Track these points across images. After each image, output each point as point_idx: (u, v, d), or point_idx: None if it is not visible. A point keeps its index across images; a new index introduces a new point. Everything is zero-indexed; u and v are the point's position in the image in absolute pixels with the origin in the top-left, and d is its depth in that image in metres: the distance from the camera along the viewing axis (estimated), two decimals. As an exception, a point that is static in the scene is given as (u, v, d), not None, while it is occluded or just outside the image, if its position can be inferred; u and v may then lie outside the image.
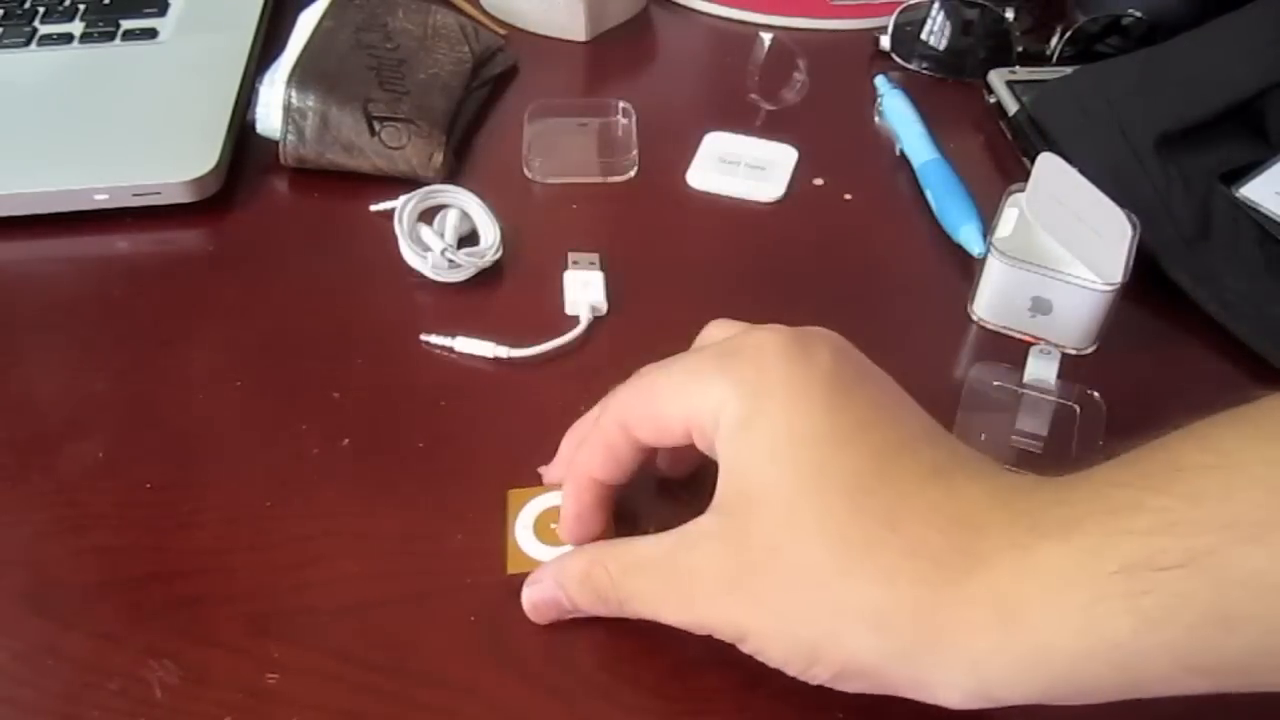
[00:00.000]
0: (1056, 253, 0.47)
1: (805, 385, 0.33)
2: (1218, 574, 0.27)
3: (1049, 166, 0.49)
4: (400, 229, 0.50)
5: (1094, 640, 0.28)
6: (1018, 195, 0.50)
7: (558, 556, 0.38)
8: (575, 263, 0.51)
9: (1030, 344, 0.46)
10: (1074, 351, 0.48)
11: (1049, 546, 0.29)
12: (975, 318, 0.49)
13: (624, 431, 0.37)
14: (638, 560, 0.36)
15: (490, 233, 0.52)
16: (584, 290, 0.49)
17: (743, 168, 0.57)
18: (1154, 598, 0.28)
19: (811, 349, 0.34)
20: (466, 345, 0.47)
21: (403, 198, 0.51)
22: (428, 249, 0.50)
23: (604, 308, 0.49)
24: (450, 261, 0.50)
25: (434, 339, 0.47)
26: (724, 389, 0.34)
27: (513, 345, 0.47)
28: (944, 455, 0.34)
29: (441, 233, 0.51)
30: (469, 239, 0.52)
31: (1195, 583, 0.27)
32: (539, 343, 0.47)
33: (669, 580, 0.35)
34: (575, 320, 0.48)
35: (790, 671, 0.33)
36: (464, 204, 0.52)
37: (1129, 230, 0.47)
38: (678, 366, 0.36)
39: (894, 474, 0.32)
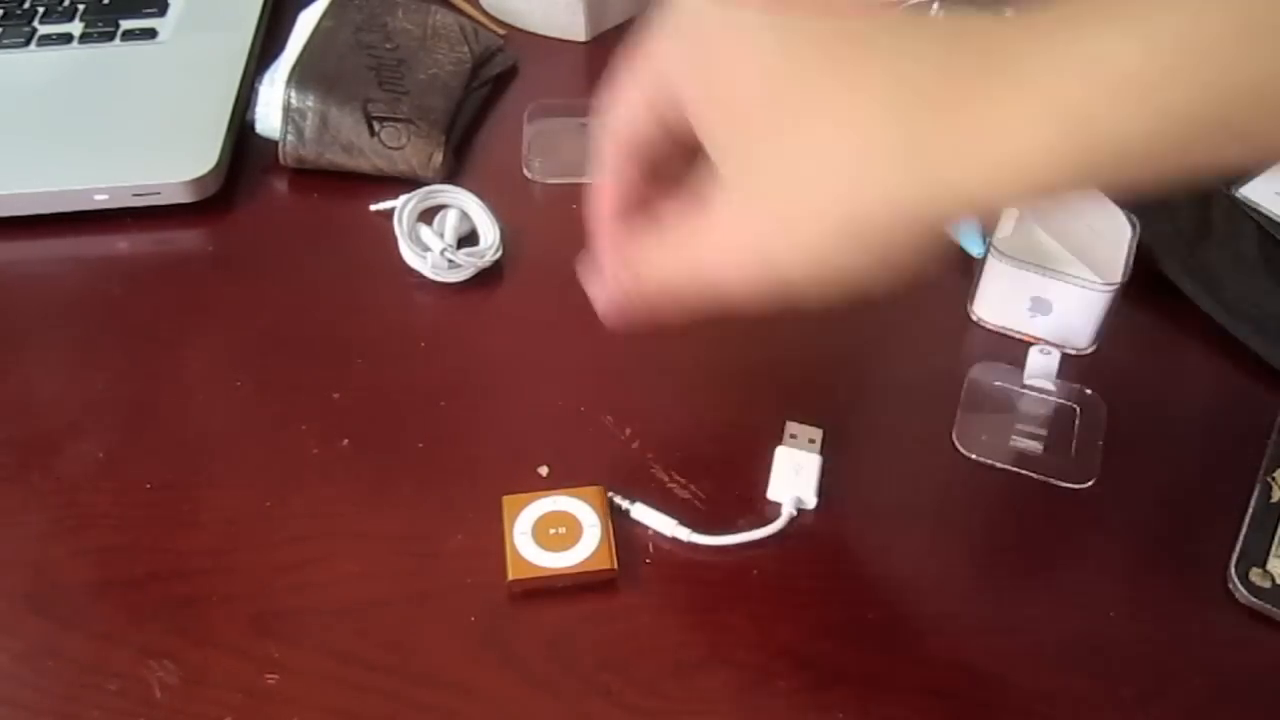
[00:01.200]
0: (1056, 253, 0.47)
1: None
2: None
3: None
4: (400, 229, 0.50)
5: (1107, 72, 0.27)
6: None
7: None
8: (793, 436, 0.44)
9: (1030, 344, 0.46)
10: (1074, 351, 0.48)
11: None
12: (975, 318, 0.49)
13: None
14: (663, 233, 0.35)
15: (490, 233, 0.52)
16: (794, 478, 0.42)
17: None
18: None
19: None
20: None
21: (402, 198, 0.52)
22: (427, 249, 0.50)
23: (812, 501, 0.42)
24: (450, 261, 0.50)
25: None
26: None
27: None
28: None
29: (441, 233, 0.51)
30: (469, 239, 0.52)
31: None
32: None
33: (691, 235, 0.34)
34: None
35: (843, 281, 0.32)
36: (463, 204, 0.52)
37: (1129, 230, 0.47)
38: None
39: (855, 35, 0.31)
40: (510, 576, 0.39)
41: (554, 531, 0.39)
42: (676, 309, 0.36)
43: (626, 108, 0.36)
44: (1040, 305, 0.47)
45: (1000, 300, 0.48)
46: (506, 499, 0.41)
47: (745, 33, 0.32)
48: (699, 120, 0.33)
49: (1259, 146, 0.28)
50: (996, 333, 0.49)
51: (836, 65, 0.30)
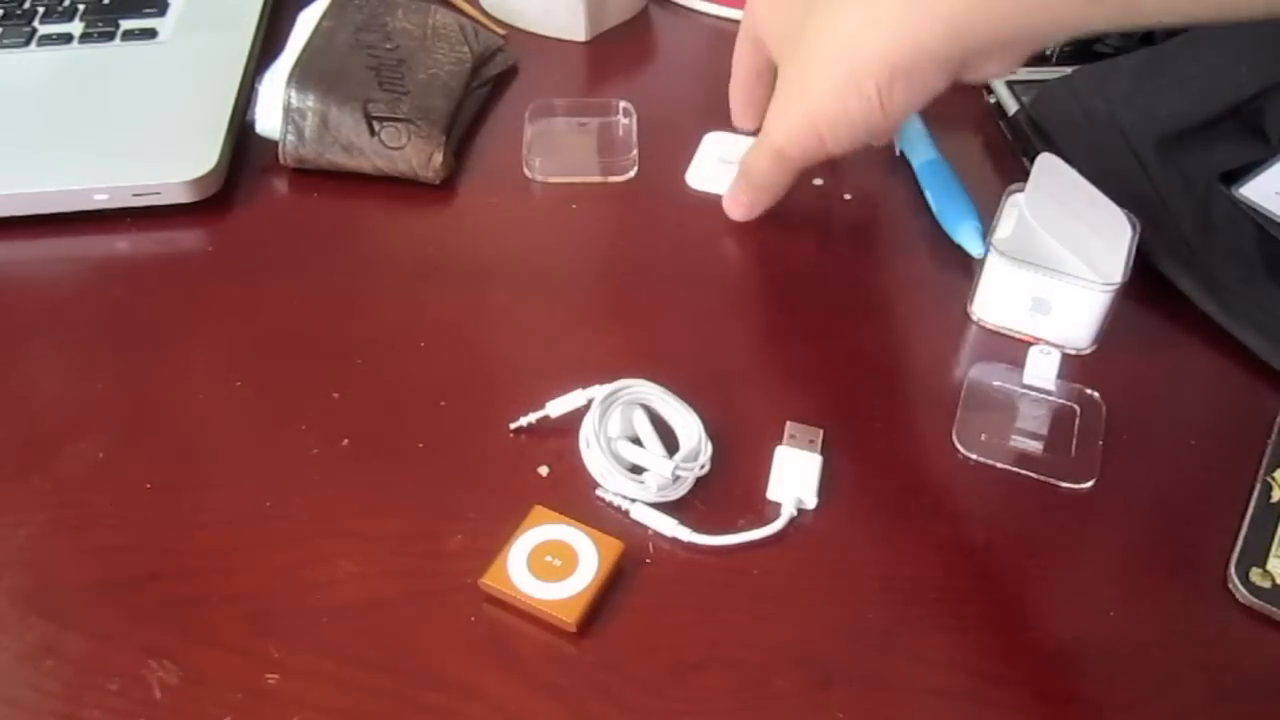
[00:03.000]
0: (1056, 253, 0.47)
1: None
2: None
3: (1049, 166, 0.49)
4: (601, 453, 0.41)
5: None
6: (1017, 195, 0.50)
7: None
8: (793, 436, 0.43)
9: (1030, 344, 0.46)
10: (1074, 352, 0.48)
11: None
12: (975, 318, 0.49)
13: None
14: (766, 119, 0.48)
15: (693, 428, 0.43)
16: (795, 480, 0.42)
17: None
18: None
19: None
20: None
21: (586, 420, 0.43)
22: (642, 469, 0.42)
23: (812, 502, 0.42)
24: (677, 478, 0.42)
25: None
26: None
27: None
28: None
29: (635, 438, 0.43)
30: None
31: None
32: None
33: (765, 123, 0.48)
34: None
35: (860, 128, 0.44)
36: (645, 397, 0.44)
37: (1129, 230, 0.47)
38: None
39: None
40: (483, 579, 0.38)
41: (549, 559, 0.39)
42: (767, 183, 0.50)
43: (739, 45, 0.51)
44: (1040, 305, 0.47)
45: (1000, 300, 0.48)
46: (537, 509, 0.40)
47: None
48: (771, 47, 0.47)
49: None
50: (996, 333, 0.49)
51: None
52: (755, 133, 0.50)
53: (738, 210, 0.53)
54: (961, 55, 0.41)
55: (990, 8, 0.39)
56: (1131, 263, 0.46)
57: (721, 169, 0.56)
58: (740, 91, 0.53)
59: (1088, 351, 0.48)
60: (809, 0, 0.44)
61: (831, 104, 0.43)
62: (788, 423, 0.44)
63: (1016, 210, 0.49)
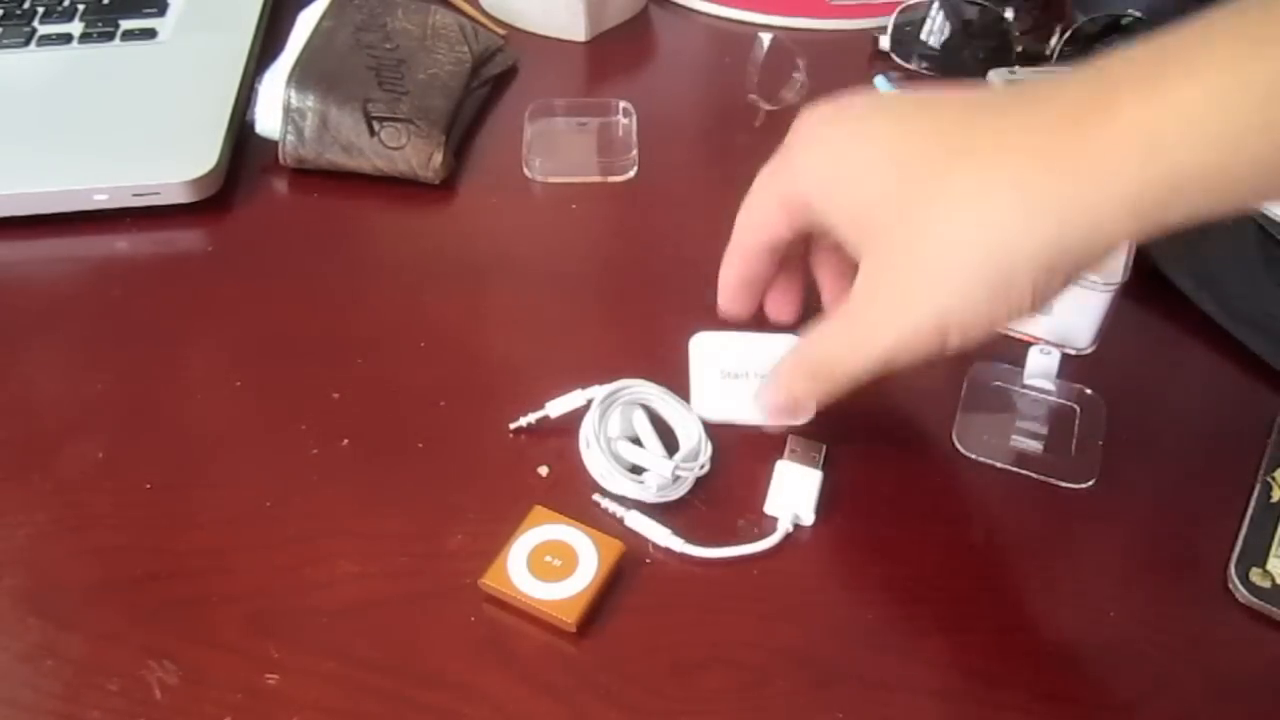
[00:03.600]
0: None
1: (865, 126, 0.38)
2: None
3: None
4: (599, 454, 0.42)
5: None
6: None
7: (781, 361, 0.41)
8: (794, 451, 0.43)
9: (1030, 344, 0.46)
10: (1074, 352, 0.48)
11: (1181, 81, 0.32)
12: None
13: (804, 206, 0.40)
14: (822, 329, 0.40)
15: (692, 429, 0.43)
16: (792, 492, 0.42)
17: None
18: None
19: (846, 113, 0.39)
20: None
21: (586, 424, 0.42)
22: (641, 470, 0.42)
23: (809, 518, 0.41)
24: (677, 477, 0.42)
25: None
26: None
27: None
28: (1017, 89, 0.37)
29: (636, 439, 0.43)
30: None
31: None
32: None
33: (853, 318, 0.39)
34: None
35: (1000, 324, 0.36)
36: (644, 397, 0.44)
37: None
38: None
39: (983, 116, 0.36)
40: (483, 579, 0.38)
41: (549, 559, 0.39)
42: (845, 386, 0.40)
43: (761, 210, 0.41)
44: None
45: None
46: (537, 509, 0.40)
47: (866, 134, 0.38)
48: (837, 224, 0.38)
49: None
50: (996, 332, 0.49)
51: (951, 149, 0.35)
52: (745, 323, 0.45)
53: (783, 417, 0.43)
54: (1139, 235, 0.35)
55: (1191, 186, 0.32)
56: (1131, 263, 0.46)
57: (731, 387, 0.45)
58: (746, 267, 0.43)
59: (1088, 351, 0.48)
60: (909, 177, 0.36)
61: (973, 304, 0.35)
62: (789, 436, 0.43)
63: None
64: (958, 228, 0.35)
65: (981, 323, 0.36)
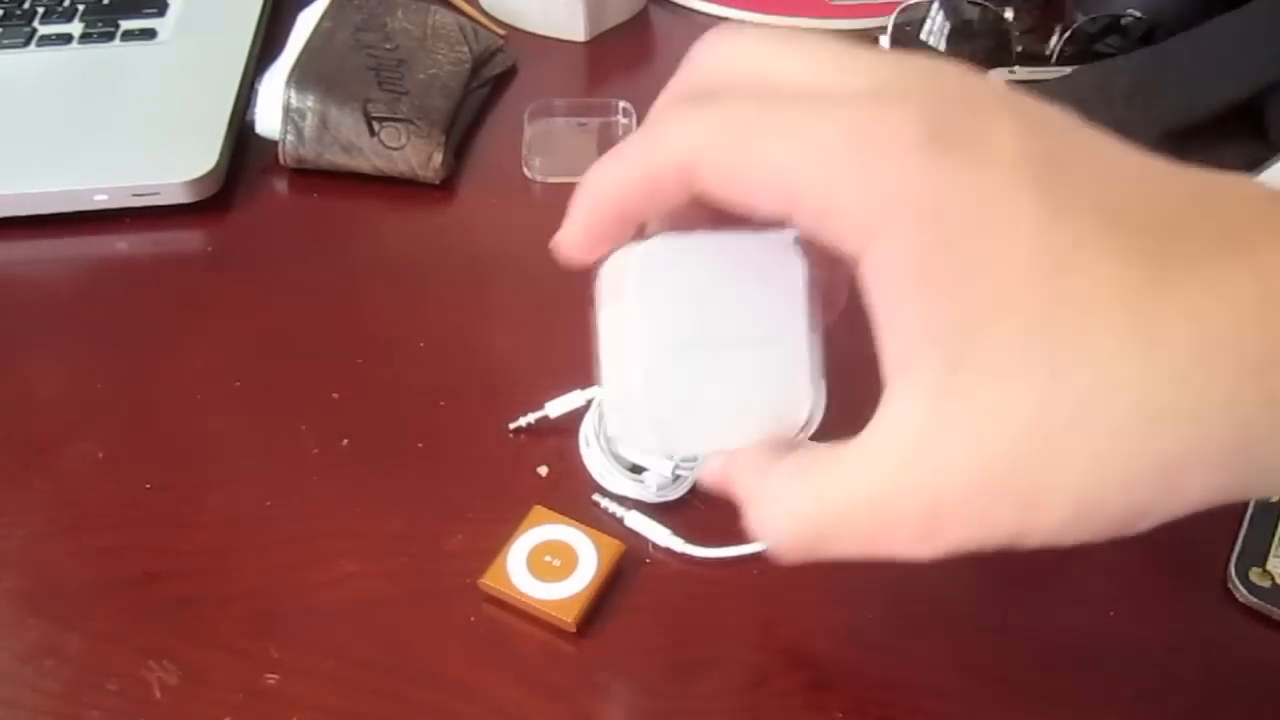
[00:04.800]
0: None
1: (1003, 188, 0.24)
2: None
3: None
4: (600, 453, 0.41)
5: None
6: None
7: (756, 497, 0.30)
8: None
9: None
10: None
11: None
12: None
13: (685, 173, 0.26)
14: (843, 470, 0.28)
15: None
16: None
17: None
18: None
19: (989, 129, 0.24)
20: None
21: (586, 422, 0.42)
22: (642, 469, 0.42)
23: None
24: (677, 476, 0.42)
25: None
26: (888, 196, 0.24)
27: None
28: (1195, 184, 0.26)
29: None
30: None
31: None
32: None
33: (907, 471, 0.26)
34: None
35: (1102, 535, 0.24)
36: None
37: None
38: (795, 115, 0.25)
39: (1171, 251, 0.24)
40: (483, 579, 0.38)
41: (548, 559, 0.39)
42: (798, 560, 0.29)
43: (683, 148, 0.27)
44: None
45: None
46: (537, 508, 0.40)
47: (985, 181, 0.24)
48: (874, 279, 0.26)
49: None
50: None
51: (1130, 288, 0.23)
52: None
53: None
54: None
55: None
56: None
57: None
58: (616, 206, 0.29)
59: None
60: (1041, 284, 0.23)
61: (1118, 497, 0.24)
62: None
63: None
64: (1113, 399, 0.23)
65: (1115, 519, 0.24)
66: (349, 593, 0.39)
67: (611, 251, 0.29)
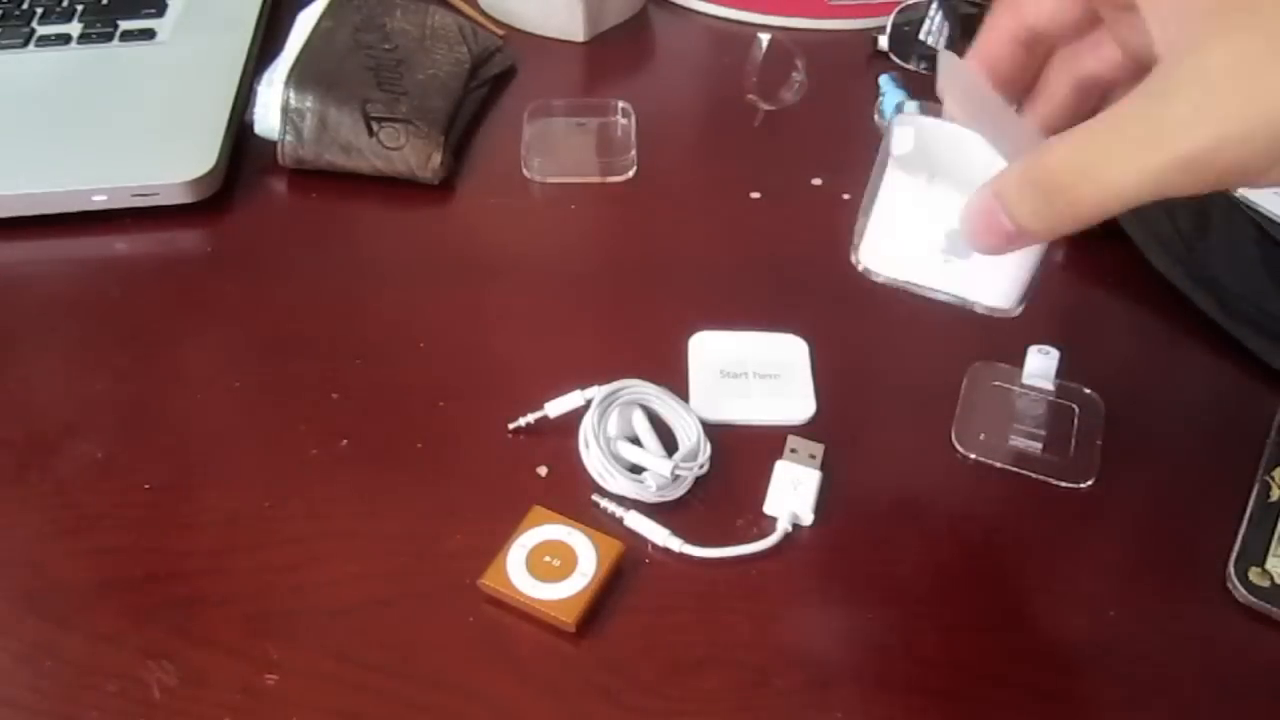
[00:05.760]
0: (977, 172, 0.33)
1: None
2: None
3: (952, 66, 0.37)
4: (598, 453, 0.42)
5: None
6: (910, 114, 0.38)
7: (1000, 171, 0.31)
8: (794, 451, 0.43)
9: (980, 307, 0.37)
10: (996, 312, 0.37)
11: None
12: (861, 267, 0.38)
13: None
14: (1078, 132, 0.29)
15: (691, 429, 0.43)
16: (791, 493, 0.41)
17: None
18: None
19: None
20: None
21: (585, 423, 0.42)
22: (640, 469, 0.42)
23: (808, 519, 0.41)
24: (676, 477, 0.42)
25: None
26: None
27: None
28: None
29: (635, 439, 0.43)
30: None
31: None
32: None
33: (1134, 117, 0.28)
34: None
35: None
36: (643, 397, 0.44)
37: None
38: None
39: None
40: (482, 579, 0.38)
41: (548, 559, 0.39)
42: (1085, 219, 0.30)
43: None
44: (956, 245, 0.35)
45: (900, 239, 0.36)
46: (536, 509, 0.40)
47: None
48: None
49: None
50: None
51: None
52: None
53: (986, 242, 0.32)
54: None
55: None
56: None
57: (731, 387, 0.45)
58: (1013, 49, 0.34)
59: (1014, 313, 0.37)
60: None
61: None
62: (789, 436, 0.43)
63: (912, 129, 0.37)
64: None
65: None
66: (348, 593, 0.39)
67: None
